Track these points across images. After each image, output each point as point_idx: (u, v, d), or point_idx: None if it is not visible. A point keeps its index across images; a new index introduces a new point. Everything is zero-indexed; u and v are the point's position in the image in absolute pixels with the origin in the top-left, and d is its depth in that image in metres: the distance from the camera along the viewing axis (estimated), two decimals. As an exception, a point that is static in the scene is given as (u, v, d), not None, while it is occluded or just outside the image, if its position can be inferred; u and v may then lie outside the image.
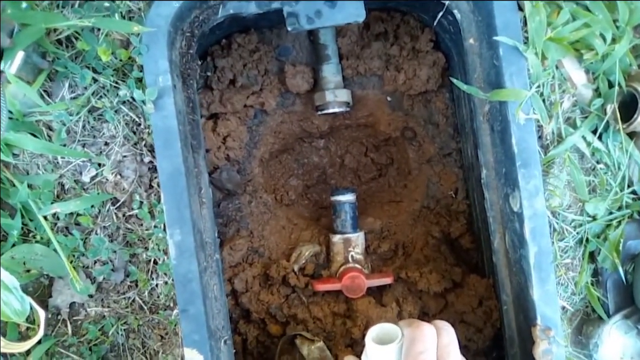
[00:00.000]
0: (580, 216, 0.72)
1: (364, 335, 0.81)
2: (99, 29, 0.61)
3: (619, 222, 0.72)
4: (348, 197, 0.84)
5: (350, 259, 0.84)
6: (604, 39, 0.66)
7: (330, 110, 0.82)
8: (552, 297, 0.62)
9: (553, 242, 0.71)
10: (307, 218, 0.94)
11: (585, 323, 0.76)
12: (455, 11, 0.66)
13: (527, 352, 0.64)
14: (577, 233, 0.72)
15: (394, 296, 0.82)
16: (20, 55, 0.54)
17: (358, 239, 0.84)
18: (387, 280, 0.80)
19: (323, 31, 0.81)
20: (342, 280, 0.80)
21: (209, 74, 0.80)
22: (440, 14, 0.67)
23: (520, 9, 0.64)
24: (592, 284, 0.74)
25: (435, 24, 0.71)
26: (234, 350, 0.71)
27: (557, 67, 0.69)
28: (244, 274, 0.81)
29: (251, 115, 0.85)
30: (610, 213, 0.72)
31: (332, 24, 0.67)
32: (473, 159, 0.78)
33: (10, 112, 0.60)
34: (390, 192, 0.95)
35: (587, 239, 0.73)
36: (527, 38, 0.64)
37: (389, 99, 0.88)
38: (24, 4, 0.56)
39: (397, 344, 0.54)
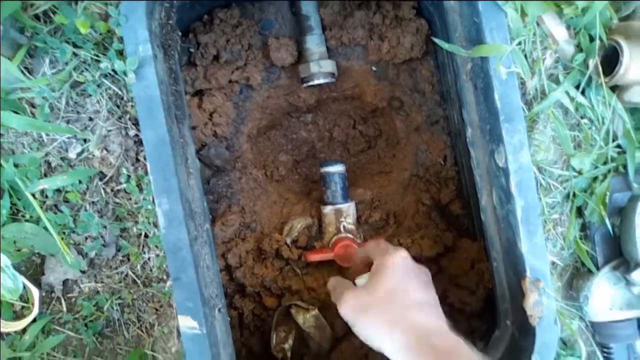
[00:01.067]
0: (566, 171, 0.72)
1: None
2: (76, 3, 0.61)
3: (605, 176, 0.72)
4: (337, 168, 0.84)
5: (342, 229, 0.84)
6: (584, -7, 0.66)
7: (316, 82, 0.82)
8: (540, 249, 0.62)
9: (540, 198, 0.71)
10: (298, 192, 0.95)
11: (575, 277, 0.77)
12: (434, -29, 0.66)
13: (519, 307, 0.65)
14: (564, 188, 0.73)
15: (387, 263, 0.83)
16: (-3, 29, 0.54)
17: (349, 209, 0.84)
18: (380, 248, 0.81)
19: (305, 2, 0.81)
20: (334, 249, 0.80)
21: (192, 50, 0.79)
22: (420, -26, 0.67)
23: (499, -36, 0.64)
24: (580, 238, 0.75)
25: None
26: (229, 319, 0.71)
27: (538, 24, 0.69)
28: (237, 249, 0.81)
29: (237, 91, 0.85)
30: (596, 167, 0.73)
31: (312, -10, 0.66)
32: (460, 124, 0.79)
33: (-9, 89, 0.60)
34: (379, 163, 0.96)
35: (574, 194, 0.73)
36: (506, -6, 0.64)
37: (374, 69, 0.87)
38: (-2, -23, 0.55)
39: None
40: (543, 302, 0.62)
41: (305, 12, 0.81)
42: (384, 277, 0.61)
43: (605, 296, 0.73)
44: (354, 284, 0.66)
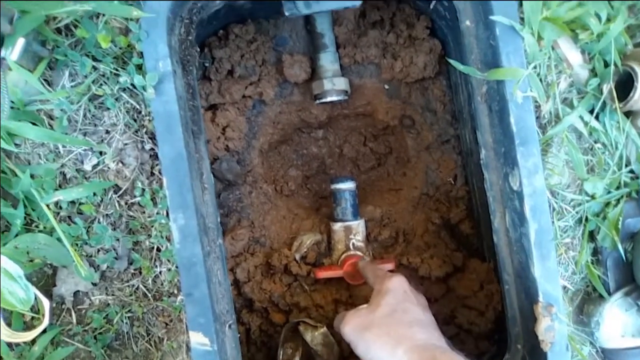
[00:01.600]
0: (579, 195, 0.73)
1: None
2: (97, 17, 0.61)
3: (618, 201, 0.72)
4: (348, 185, 0.84)
5: (351, 246, 0.84)
6: (599, 19, 0.67)
7: (329, 99, 0.83)
8: (553, 274, 0.62)
9: (553, 222, 0.71)
10: (308, 208, 0.95)
11: (587, 302, 0.76)
12: (451, -7, 0.67)
13: (530, 331, 0.65)
14: (577, 212, 0.73)
15: (396, 282, 0.82)
16: (20, 42, 0.54)
17: (359, 226, 0.84)
18: (389, 267, 0.81)
19: (320, 20, 0.81)
20: (343, 267, 0.80)
21: (207, 64, 0.80)
22: (437, -4, 0.68)
23: (516, -12, 0.64)
24: (592, 263, 0.75)
25: (431, 7, 0.71)
26: (239, 335, 0.71)
27: (553, 48, 0.69)
28: (245, 264, 0.81)
29: (250, 106, 0.85)
30: (609, 192, 0.73)
31: (329, 8, 0.67)
32: (472, 144, 0.79)
33: (11, 101, 0.60)
34: (389, 181, 0.96)
35: (586, 218, 0.73)
36: (522, 19, 0.64)
37: (386, 87, 0.88)
38: (23, -9, 0.56)
39: None
40: (555, 328, 0.62)
41: (320, 30, 0.82)
42: (385, 298, 0.63)
43: (617, 322, 0.73)
44: None
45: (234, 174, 0.86)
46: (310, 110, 0.90)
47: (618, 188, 0.73)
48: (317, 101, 0.84)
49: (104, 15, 0.61)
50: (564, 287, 0.76)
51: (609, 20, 0.67)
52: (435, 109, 0.87)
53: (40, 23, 0.56)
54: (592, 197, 0.72)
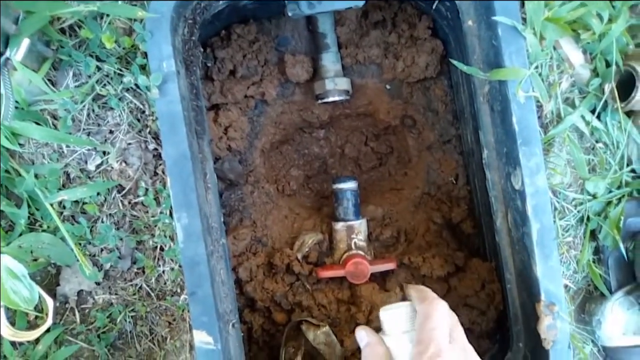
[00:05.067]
0: (581, 195, 0.73)
1: (369, 321, 0.82)
2: (101, 18, 0.62)
3: (619, 200, 0.73)
4: (350, 185, 0.84)
5: (353, 246, 0.84)
6: (601, 19, 0.67)
7: (330, 99, 0.83)
8: (555, 273, 0.62)
9: (555, 221, 0.71)
10: (309, 208, 0.95)
11: (588, 301, 0.77)
12: (453, -7, 0.67)
13: (531, 329, 0.65)
14: (578, 211, 0.73)
15: (398, 282, 0.83)
16: (25, 42, 0.55)
17: (361, 225, 0.84)
18: (391, 266, 0.81)
19: (322, 20, 0.81)
20: (345, 266, 0.80)
21: (209, 64, 0.80)
22: (439, -4, 0.68)
23: (518, -11, 0.65)
24: (593, 262, 0.75)
25: (433, 7, 0.72)
26: (242, 334, 0.71)
27: (554, 48, 0.70)
28: (248, 263, 0.82)
29: (252, 106, 0.85)
30: (610, 191, 0.73)
31: (332, 9, 0.67)
32: (473, 144, 0.79)
33: (15, 100, 0.60)
34: (391, 180, 0.96)
35: (588, 217, 0.73)
36: (524, 19, 0.65)
37: (388, 87, 0.88)
38: (28, -8, 0.56)
39: (408, 306, 0.55)
40: (557, 326, 0.62)
41: (322, 30, 0.82)
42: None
43: (618, 321, 0.73)
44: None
45: (235, 174, 0.86)
46: (312, 110, 0.90)
47: (619, 187, 0.73)
48: (319, 101, 0.84)
49: (108, 15, 0.61)
50: (566, 286, 0.76)
51: (610, 20, 0.68)
52: (436, 108, 0.87)
53: (45, 23, 0.56)
54: (594, 196, 0.73)
